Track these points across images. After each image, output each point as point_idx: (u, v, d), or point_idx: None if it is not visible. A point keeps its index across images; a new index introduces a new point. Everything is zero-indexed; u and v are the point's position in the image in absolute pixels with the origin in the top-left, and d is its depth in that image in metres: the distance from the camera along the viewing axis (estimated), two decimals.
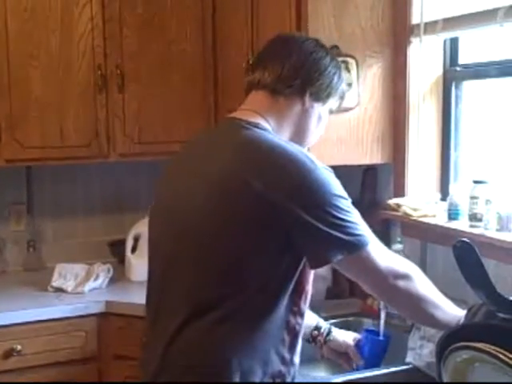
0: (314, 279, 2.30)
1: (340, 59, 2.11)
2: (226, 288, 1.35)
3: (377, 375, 1.80)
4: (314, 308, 2.25)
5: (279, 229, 1.32)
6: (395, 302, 1.47)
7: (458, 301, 1.92)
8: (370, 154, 2.23)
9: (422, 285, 1.44)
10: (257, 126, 1.42)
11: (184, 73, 2.73)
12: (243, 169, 1.34)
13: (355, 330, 2.18)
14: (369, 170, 2.41)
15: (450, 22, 2.03)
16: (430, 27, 2.10)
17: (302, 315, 1.45)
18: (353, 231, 1.33)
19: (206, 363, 1.35)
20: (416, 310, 1.45)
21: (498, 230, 1.80)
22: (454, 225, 1.95)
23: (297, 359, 1.46)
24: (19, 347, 2.30)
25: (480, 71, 2.10)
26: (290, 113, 1.49)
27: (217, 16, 2.73)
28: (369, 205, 2.39)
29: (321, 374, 2.07)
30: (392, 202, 2.17)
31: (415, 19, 2.16)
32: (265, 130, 1.43)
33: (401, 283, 1.39)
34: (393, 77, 2.22)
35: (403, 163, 2.22)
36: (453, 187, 2.07)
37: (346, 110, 2.16)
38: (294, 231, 1.32)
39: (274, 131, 1.45)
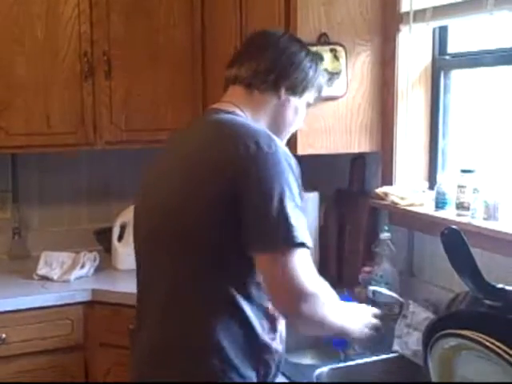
0: None
1: (329, 47, 2.13)
2: (203, 273, 1.36)
3: (363, 363, 1.80)
4: None
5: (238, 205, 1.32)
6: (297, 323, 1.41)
7: (445, 289, 1.94)
8: (358, 142, 2.23)
9: (326, 306, 1.38)
10: (231, 113, 1.47)
11: (172, 60, 2.71)
12: (207, 147, 1.39)
13: None
14: (357, 159, 2.41)
15: (440, 11, 2.02)
16: (420, 15, 2.09)
17: None
18: (289, 228, 1.29)
19: (190, 349, 1.37)
20: (320, 329, 1.44)
21: (485, 219, 1.81)
22: (441, 214, 1.96)
23: (279, 346, 1.46)
24: (4, 335, 2.28)
25: (469, 60, 2.09)
26: (266, 106, 1.53)
27: (206, 3, 2.71)
28: (357, 193, 2.40)
29: (307, 361, 2.07)
30: (380, 190, 2.17)
31: (405, 7, 2.15)
32: (239, 116, 1.47)
33: (305, 306, 1.31)
34: (381, 65, 2.22)
35: (391, 152, 2.22)
36: (440, 176, 2.07)
37: (335, 98, 2.16)
38: (241, 207, 1.31)
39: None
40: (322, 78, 1.61)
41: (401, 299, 1.94)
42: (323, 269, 2.44)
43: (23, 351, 2.32)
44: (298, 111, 1.58)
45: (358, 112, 2.21)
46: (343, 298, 1.66)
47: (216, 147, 1.37)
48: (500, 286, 1.20)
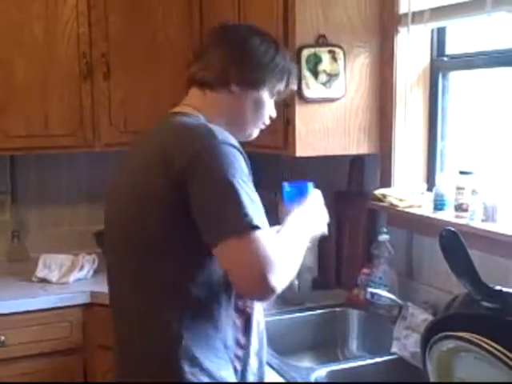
0: (300, 270, 2.31)
1: (327, 49, 2.13)
2: (165, 277, 1.34)
3: (362, 365, 1.80)
4: (301, 299, 2.26)
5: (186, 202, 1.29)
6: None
7: (444, 291, 1.94)
8: (356, 144, 2.22)
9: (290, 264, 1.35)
10: (185, 115, 1.44)
11: (170, 61, 2.71)
12: (157, 150, 1.36)
13: (342, 321, 2.20)
14: (356, 161, 2.41)
15: (438, 12, 2.02)
16: (418, 17, 2.09)
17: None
18: (242, 214, 1.24)
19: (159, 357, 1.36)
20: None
21: (483, 221, 1.81)
22: (439, 215, 1.96)
23: (255, 343, 1.44)
24: (3, 338, 2.28)
25: (467, 61, 2.09)
26: (220, 104, 1.48)
27: (204, 5, 2.71)
28: (356, 195, 2.40)
29: (306, 364, 2.07)
30: (378, 192, 2.17)
31: (403, 9, 2.15)
32: (192, 117, 1.43)
33: (275, 282, 1.26)
34: (380, 67, 2.22)
35: (390, 153, 2.22)
36: (439, 178, 2.07)
37: (333, 100, 2.16)
38: (192, 204, 1.29)
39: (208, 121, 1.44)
40: (286, 67, 1.52)
41: (399, 301, 1.94)
42: (321, 271, 2.44)
43: (22, 354, 2.32)
44: (260, 105, 1.50)
45: (357, 114, 2.21)
46: (296, 185, 1.60)
47: (164, 150, 1.34)
48: (498, 287, 1.19)
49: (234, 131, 1.43)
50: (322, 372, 1.75)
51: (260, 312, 1.49)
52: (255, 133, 1.57)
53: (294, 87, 1.60)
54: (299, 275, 2.24)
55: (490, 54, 1.98)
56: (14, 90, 2.51)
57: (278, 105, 2.18)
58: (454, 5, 1.96)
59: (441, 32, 2.17)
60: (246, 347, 1.42)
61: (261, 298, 1.33)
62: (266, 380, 1.54)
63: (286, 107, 2.15)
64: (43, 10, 2.52)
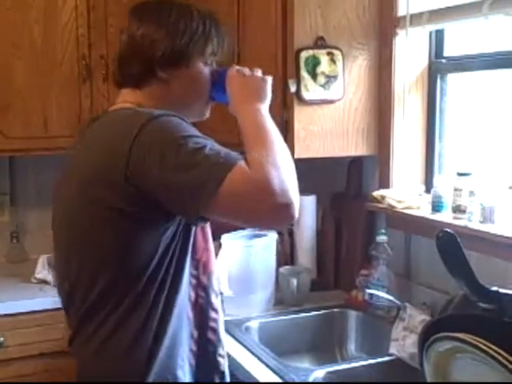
0: (298, 271, 2.32)
1: (326, 51, 2.13)
2: (110, 276, 1.31)
3: (360, 366, 1.81)
4: (299, 300, 2.26)
5: (136, 196, 1.24)
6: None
7: (442, 292, 1.95)
8: (355, 145, 2.23)
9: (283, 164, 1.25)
10: (124, 109, 1.39)
11: None
12: (95, 150, 1.33)
13: (340, 322, 2.21)
14: (354, 162, 2.41)
15: (436, 14, 2.03)
16: (416, 19, 2.10)
17: (204, 288, 1.41)
18: (213, 161, 1.18)
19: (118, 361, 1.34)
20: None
21: (481, 222, 1.81)
22: (437, 217, 1.96)
23: (212, 335, 1.42)
24: (2, 339, 2.28)
25: (465, 63, 2.10)
26: (156, 94, 1.41)
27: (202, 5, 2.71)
28: (354, 197, 2.40)
29: (304, 365, 2.08)
30: (376, 193, 2.17)
31: (401, 11, 2.16)
32: (130, 109, 1.37)
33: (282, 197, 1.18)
34: (378, 68, 2.22)
35: (388, 155, 2.22)
36: (437, 179, 2.07)
37: (332, 101, 2.16)
38: (154, 192, 1.23)
39: None
40: (208, 28, 1.43)
41: (398, 302, 1.95)
42: (320, 273, 2.45)
43: (21, 355, 2.32)
44: (197, 77, 1.43)
45: (355, 115, 2.21)
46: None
47: (106, 152, 1.28)
48: (494, 288, 1.20)
49: (183, 115, 1.37)
50: (320, 373, 1.75)
51: (215, 308, 1.46)
52: (207, 110, 1.50)
53: (225, 45, 1.49)
54: (298, 276, 2.25)
55: (488, 56, 1.99)
56: (13, 91, 2.51)
57: (276, 107, 2.21)
58: (451, 7, 1.97)
59: (439, 34, 2.18)
60: (200, 341, 1.39)
61: (284, 217, 1.21)
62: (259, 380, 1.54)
63: (284, 109, 2.16)
64: (42, 13, 2.52)
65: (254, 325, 2.10)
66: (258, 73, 1.46)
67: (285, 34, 2.14)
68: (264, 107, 1.38)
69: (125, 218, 1.27)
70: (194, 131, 1.27)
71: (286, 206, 1.18)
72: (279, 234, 2.39)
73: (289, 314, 2.19)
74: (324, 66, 2.12)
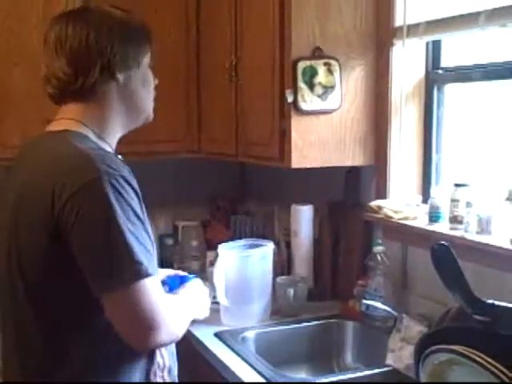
0: (294, 281, 2.32)
1: (323, 61, 2.14)
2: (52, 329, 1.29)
3: (357, 377, 1.80)
4: (296, 310, 2.26)
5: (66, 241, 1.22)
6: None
7: (439, 303, 1.94)
8: (352, 155, 2.23)
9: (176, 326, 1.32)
10: (68, 133, 1.37)
11: (166, 72, 2.69)
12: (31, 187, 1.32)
13: (337, 332, 2.20)
14: (351, 172, 2.41)
15: (433, 25, 2.04)
16: (413, 30, 2.10)
17: None
18: (129, 260, 1.18)
19: None
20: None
21: (478, 233, 1.81)
22: (434, 227, 1.96)
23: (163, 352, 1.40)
24: None
25: (462, 74, 2.10)
26: (110, 100, 1.39)
27: (200, 16, 2.72)
28: (351, 206, 2.40)
29: (301, 375, 2.07)
30: (373, 204, 2.17)
31: (398, 22, 2.17)
32: (75, 135, 1.35)
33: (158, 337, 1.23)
34: (375, 79, 2.23)
35: (385, 165, 2.22)
36: (434, 190, 2.07)
37: (329, 111, 2.16)
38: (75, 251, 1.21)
39: (97, 133, 1.39)
40: (140, 30, 1.45)
41: (394, 313, 1.95)
42: (316, 282, 2.44)
43: None
44: (147, 79, 1.46)
45: (352, 125, 2.22)
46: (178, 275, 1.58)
47: (41, 189, 1.26)
48: (490, 301, 1.20)
49: (135, 120, 1.40)
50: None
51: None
52: (151, 112, 1.51)
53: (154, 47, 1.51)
54: (295, 286, 2.25)
55: (486, 67, 2.00)
56: (10, 100, 2.51)
57: (273, 117, 2.22)
58: (448, 18, 1.98)
59: (436, 45, 2.19)
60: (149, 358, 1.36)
61: (139, 348, 1.28)
62: None
63: (281, 119, 2.16)
64: (40, 19, 2.51)
65: (250, 335, 2.10)
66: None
67: (282, 44, 2.14)
68: (195, 309, 1.48)
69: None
70: (132, 205, 1.22)
71: (152, 345, 1.26)
72: (276, 243, 2.39)
73: (286, 324, 2.18)
74: (321, 76, 2.12)
